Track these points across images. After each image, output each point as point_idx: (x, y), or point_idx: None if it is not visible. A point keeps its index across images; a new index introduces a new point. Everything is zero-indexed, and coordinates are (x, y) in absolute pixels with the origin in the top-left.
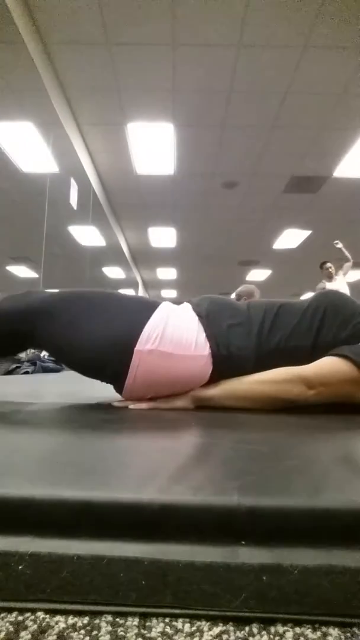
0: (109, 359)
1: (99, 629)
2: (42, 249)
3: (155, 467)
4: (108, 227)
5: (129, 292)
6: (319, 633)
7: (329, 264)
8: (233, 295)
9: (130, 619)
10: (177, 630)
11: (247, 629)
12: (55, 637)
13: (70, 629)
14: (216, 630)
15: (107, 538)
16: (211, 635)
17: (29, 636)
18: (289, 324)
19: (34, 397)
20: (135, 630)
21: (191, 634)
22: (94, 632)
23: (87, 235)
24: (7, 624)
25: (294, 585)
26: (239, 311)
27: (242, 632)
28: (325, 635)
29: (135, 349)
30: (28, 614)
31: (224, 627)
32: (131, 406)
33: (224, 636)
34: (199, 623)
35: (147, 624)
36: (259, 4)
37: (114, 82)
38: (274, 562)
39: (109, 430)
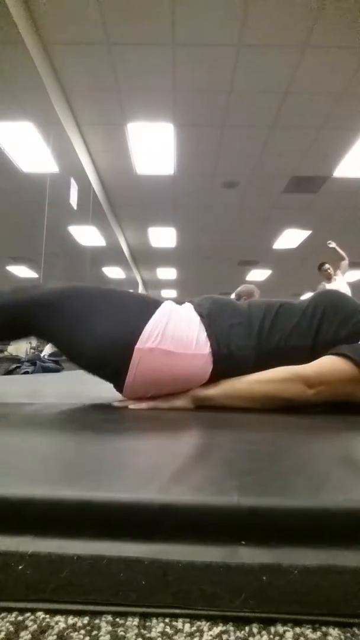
0: (109, 357)
1: (99, 629)
2: (42, 249)
3: (155, 467)
4: (108, 227)
5: None
6: (319, 633)
7: (327, 266)
8: (233, 295)
9: (130, 619)
10: (177, 630)
11: (247, 629)
12: (55, 637)
13: (70, 629)
14: (216, 630)
15: (107, 538)
16: (211, 635)
17: (29, 636)
18: (289, 324)
19: (34, 397)
20: (135, 630)
21: (191, 634)
22: (94, 632)
23: (87, 235)
24: (7, 624)
25: (294, 585)
26: (239, 311)
27: (242, 632)
28: (325, 635)
29: (136, 347)
30: (28, 614)
31: (224, 627)
32: (131, 406)
33: (224, 636)
34: (199, 623)
35: (147, 624)
36: (259, 4)
37: (114, 82)
38: (274, 562)
39: (108, 430)
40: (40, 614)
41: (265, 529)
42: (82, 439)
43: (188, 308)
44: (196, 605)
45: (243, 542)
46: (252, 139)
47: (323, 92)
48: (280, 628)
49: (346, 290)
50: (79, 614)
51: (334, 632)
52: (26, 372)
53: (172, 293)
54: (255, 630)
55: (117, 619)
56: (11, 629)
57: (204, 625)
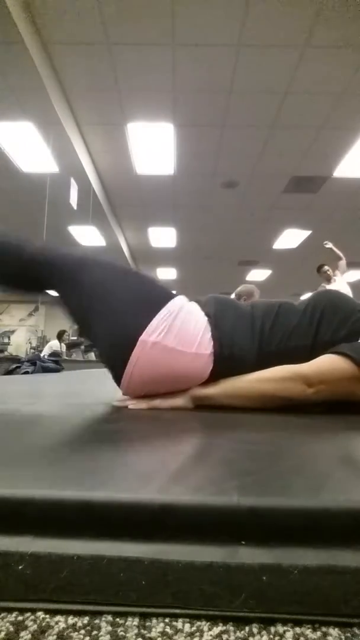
0: (114, 342)
1: (99, 629)
2: None
3: (155, 467)
4: (108, 227)
5: None
6: (319, 633)
7: (326, 267)
8: (233, 295)
9: (130, 619)
10: (177, 630)
11: (247, 629)
12: (55, 637)
13: (70, 629)
14: (216, 630)
15: (107, 538)
16: (211, 635)
17: (29, 636)
18: (289, 325)
19: (34, 397)
20: (135, 630)
21: (191, 634)
22: (94, 632)
23: (87, 235)
24: (7, 624)
25: (294, 585)
26: (243, 312)
27: (242, 632)
28: (325, 635)
29: (140, 338)
30: (28, 614)
31: (224, 627)
32: (131, 406)
33: (224, 636)
34: (199, 623)
35: (147, 624)
36: (259, 4)
37: (114, 82)
38: (274, 562)
39: (108, 430)
40: (40, 614)
41: (265, 529)
42: (81, 438)
43: (196, 307)
44: (196, 605)
45: (243, 542)
46: (252, 139)
47: (323, 92)
48: (280, 628)
49: (347, 291)
50: (79, 614)
51: (334, 632)
52: (26, 372)
53: None
54: (255, 630)
55: (117, 619)
56: (11, 629)
57: (204, 625)
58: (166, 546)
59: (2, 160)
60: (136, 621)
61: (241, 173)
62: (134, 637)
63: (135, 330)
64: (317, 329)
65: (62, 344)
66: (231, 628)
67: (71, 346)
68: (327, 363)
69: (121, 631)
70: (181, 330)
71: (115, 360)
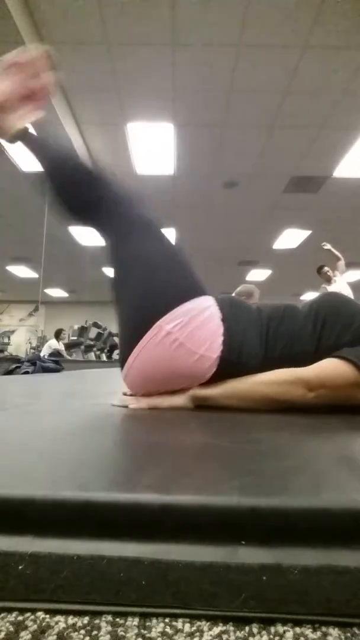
0: (133, 315)
1: (99, 629)
2: (42, 249)
3: (155, 467)
4: None
5: None
6: (319, 633)
7: (326, 268)
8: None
9: (130, 619)
10: (177, 630)
11: (247, 629)
12: (55, 637)
13: (70, 629)
14: (216, 630)
15: (107, 538)
16: (211, 635)
17: (29, 636)
18: (293, 331)
19: (34, 397)
20: (135, 630)
21: (191, 634)
22: (94, 632)
23: (87, 235)
24: (7, 624)
25: (294, 585)
26: (252, 316)
27: (242, 632)
28: (325, 635)
29: (157, 322)
30: (28, 614)
31: (224, 627)
32: (131, 405)
33: (224, 636)
34: (199, 623)
35: (147, 624)
36: (259, 4)
37: (114, 82)
38: (274, 562)
39: (108, 430)
40: (40, 614)
41: (265, 529)
42: (81, 438)
43: (217, 313)
44: (196, 605)
45: (243, 542)
46: (252, 139)
47: (323, 92)
48: (280, 628)
49: (347, 291)
50: (79, 614)
51: (334, 632)
52: (26, 372)
53: None
54: (255, 630)
55: (117, 619)
56: (11, 629)
57: (204, 625)
58: (166, 546)
59: (2, 159)
60: (136, 621)
61: (241, 173)
62: (134, 637)
63: (155, 312)
64: (320, 335)
65: (61, 343)
66: (231, 628)
67: (71, 346)
68: (329, 367)
69: (121, 631)
70: (197, 329)
71: (130, 336)
